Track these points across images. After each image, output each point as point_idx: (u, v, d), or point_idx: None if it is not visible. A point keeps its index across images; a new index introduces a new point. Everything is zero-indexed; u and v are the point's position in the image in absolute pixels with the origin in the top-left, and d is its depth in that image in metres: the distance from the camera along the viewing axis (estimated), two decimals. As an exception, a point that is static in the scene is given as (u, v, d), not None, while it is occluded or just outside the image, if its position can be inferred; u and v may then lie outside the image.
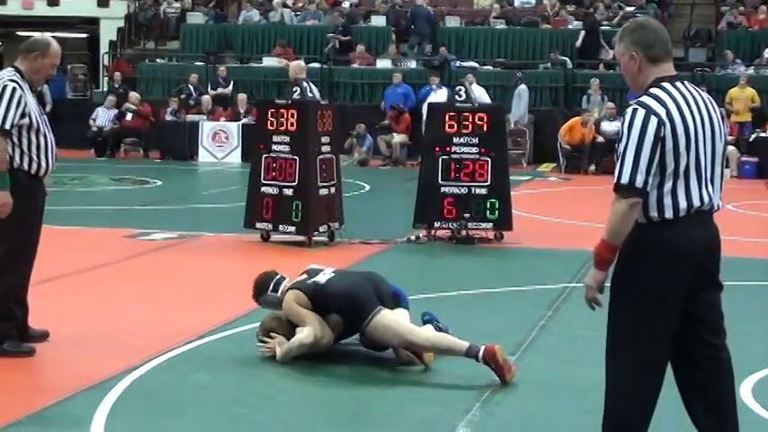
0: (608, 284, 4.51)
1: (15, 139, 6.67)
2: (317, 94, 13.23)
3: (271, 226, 11.65)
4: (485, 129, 11.99)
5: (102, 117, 24.76)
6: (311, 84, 13.25)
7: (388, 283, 6.97)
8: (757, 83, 23.88)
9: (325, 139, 11.74)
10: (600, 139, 22.41)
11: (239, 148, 23.37)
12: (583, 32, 26.04)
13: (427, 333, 6.64)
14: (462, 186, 11.94)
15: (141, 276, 9.90)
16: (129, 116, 24.46)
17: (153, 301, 8.75)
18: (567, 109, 24.61)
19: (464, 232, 12.06)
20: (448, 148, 11.97)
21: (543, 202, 17.04)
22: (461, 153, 11.96)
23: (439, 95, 21.86)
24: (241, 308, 8.06)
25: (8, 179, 6.59)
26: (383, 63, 26.42)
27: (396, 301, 7.04)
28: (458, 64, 25.79)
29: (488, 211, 11.95)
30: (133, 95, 24.94)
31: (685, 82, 4.53)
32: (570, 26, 27.63)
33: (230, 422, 5.65)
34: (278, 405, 6.01)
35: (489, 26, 27.91)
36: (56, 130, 7.01)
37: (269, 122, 11.64)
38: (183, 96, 25.05)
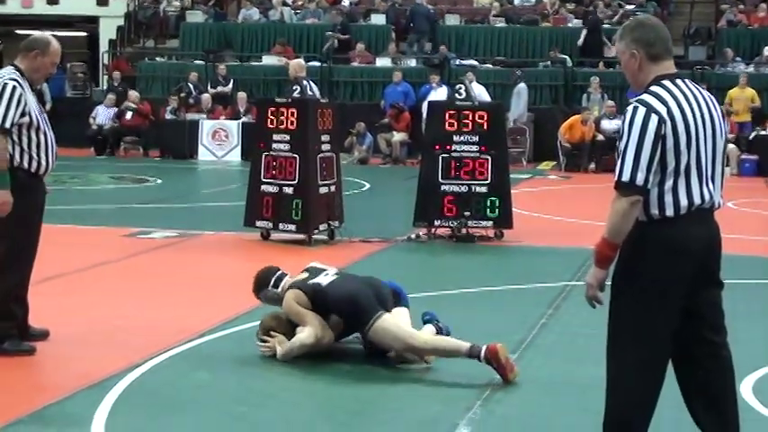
0: (609, 283, 4.51)
1: (15, 138, 6.66)
2: (317, 93, 13.23)
3: (271, 224, 11.64)
4: (485, 127, 11.99)
5: (102, 115, 24.75)
6: (311, 82, 13.26)
7: (388, 286, 6.97)
8: (757, 81, 23.89)
9: (325, 138, 11.74)
10: (600, 137, 22.42)
11: (239, 147, 23.36)
12: (585, 31, 26.02)
13: (428, 337, 6.63)
14: (462, 185, 11.94)
15: (141, 275, 9.90)
16: (128, 115, 24.45)
17: (153, 299, 8.74)
18: (567, 107, 24.61)
19: (464, 230, 12.05)
20: (448, 147, 11.97)
21: (543, 201, 17.04)
22: (461, 151, 11.96)
23: (439, 94, 21.87)
24: (241, 306, 8.06)
25: (8, 178, 6.59)
26: (383, 61, 26.42)
27: (396, 299, 7.04)
28: (458, 62, 25.78)
29: (488, 210, 11.95)
30: (133, 94, 24.93)
31: (686, 80, 4.53)
32: (570, 24, 27.62)
33: (231, 421, 5.65)
34: (279, 403, 6.00)
35: (489, 24, 27.90)
36: (55, 129, 7.01)
37: (269, 121, 11.64)
38: (182, 95, 25.04)
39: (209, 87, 25.45)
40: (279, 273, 7.06)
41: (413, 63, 26.42)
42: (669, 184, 4.37)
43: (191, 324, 7.70)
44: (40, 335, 7.07)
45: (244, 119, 23.63)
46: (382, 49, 27.27)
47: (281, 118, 11.54)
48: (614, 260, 4.44)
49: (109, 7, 30.93)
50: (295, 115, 11.50)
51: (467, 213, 11.91)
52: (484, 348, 6.28)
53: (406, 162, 23.08)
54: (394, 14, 28.17)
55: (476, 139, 11.96)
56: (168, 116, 24.44)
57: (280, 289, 6.94)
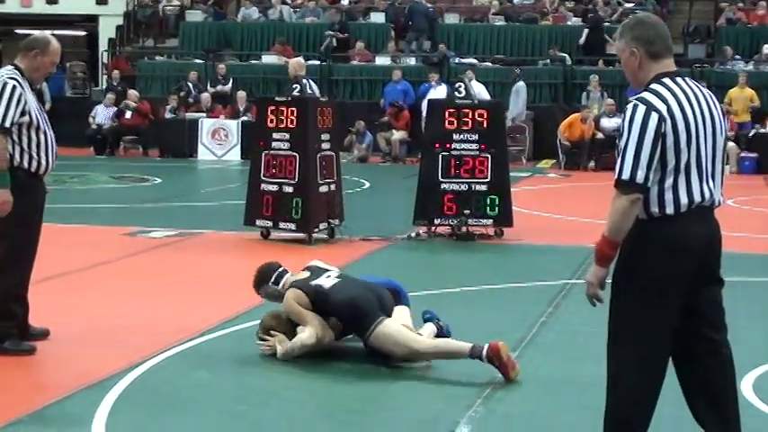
0: (609, 281, 4.51)
1: (15, 137, 6.66)
2: (317, 92, 13.23)
3: (271, 223, 11.64)
4: (484, 125, 11.99)
5: (102, 115, 24.74)
6: (311, 81, 13.26)
7: (386, 286, 6.96)
8: (756, 79, 23.89)
9: (324, 137, 11.74)
10: (599, 135, 22.41)
11: (239, 146, 23.35)
12: (586, 30, 26.00)
13: (429, 341, 6.61)
14: (462, 183, 11.94)
15: (141, 274, 9.90)
16: (128, 114, 24.45)
17: (153, 298, 8.74)
18: (567, 105, 24.60)
19: (464, 229, 12.05)
20: (448, 145, 11.97)
21: (543, 199, 17.04)
22: (461, 150, 11.96)
23: (438, 92, 21.87)
24: (241, 305, 8.07)
25: (8, 177, 6.59)
26: (382, 60, 26.41)
27: (396, 298, 7.04)
28: (457, 60, 25.79)
29: (488, 208, 11.95)
30: (132, 93, 24.92)
31: (686, 78, 4.53)
32: (569, 22, 27.62)
33: (231, 419, 5.65)
34: (279, 402, 6.00)
35: (488, 23, 27.90)
36: (55, 129, 7.00)
37: (269, 120, 11.64)
38: (182, 94, 25.04)
39: (208, 86, 25.44)
40: (280, 269, 7.05)
41: (412, 61, 26.41)
42: (669, 181, 4.37)
43: (191, 323, 7.70)
44: (40, 334, 7.07)
45: (243, 118, 23.63)
46: (382, 47, 27.27)
47: (281, 117, 11.54)
48: (615, 258, 4.44)
49: (108, 6, 30.91)
50: (295, 114, 11.50)
51: (467, 211, 11.91)
52: (486, 347, 6.27)
53: (405, 160, 23.08)
54: (393, 13, 28.17)
55: (475, 137, 11.97)
56: (168, 115, 24.44)
57: (280, 286, 6.93)
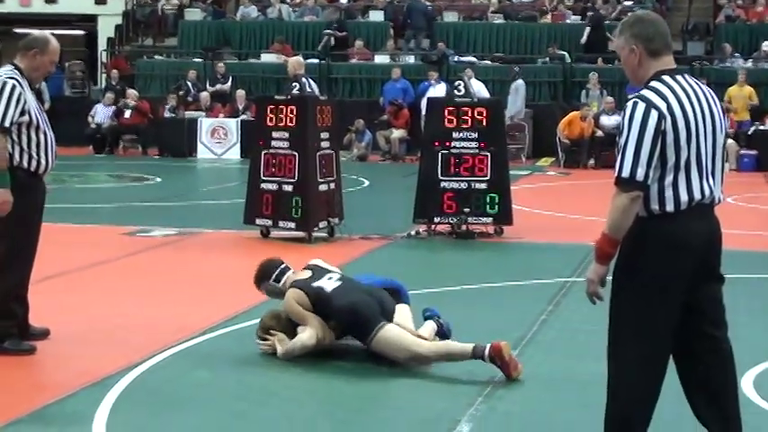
0: (609, 278, 4.51)
1: (15, 137, 6.66)
2: (316, 90, 13.23)
3: (270, 222, 11.64)
4: (484, 123, 11.98)
5: (101, 114, 24.74)
6: (310, 79, 13.25)
7: (387, 290, 6.96)
8: (755, 76, 23.89)
9: (324, 135, 11.73)
10: (599, 133, 22.40)
11: (238, 145, 23.35)
12: (588, 29, 25.98)
13: (431, 344, 6.58)
14: (462, 181, 11.93)
15: (141, 273, 9.89)
16: (127, 113, 24.44)
17: (153, 298, 8.74)
18: (566, 103, 24.59)
19: (464, 227, 12.05)
20: (447, 143, 11.97)
21: (543, 197, 17.04)
22: (461, 148, 11.96)
23: (438, 90, 21.86)
24: (241, 304, 8.07)
25: (8, 177, 6.58)
26: (381, 58, 26.41)
27: (396, 296, 7.04)
28: (456, 59, 25.77)
29: (488, 206, 11.94)
30: (131, 92, 24.92)
31: (686, 75, 4.52)
32: (568, 20, 27.62)
33: (231, 418, 5.65)
34: (280, 401, 6.00)
35: (487, 21, 27.89)
36: (54, 128, 6.99)
37: (268, 118, 11.63)
38: (181, 93, 25.04)
39: (207, 85, 25.44)
40: (282, 266, 7.03)
41: (411, 60, 26.42)
42: (669, 179, 4.37)
43: (191, 322, 7.70)
44: (40, 334, 7.07)
45: (243, 116, 23.62)
46: (381, 45, 27.27)
47: (281, 115, 11.54)
48: (615, 256, 4.44)
49: (107, 6, 30.91)
50: (294, 113, 11.49)
51: (466, 210, 11.91)
52: (488, 347, 6.26)
53: (405, 159, 23.08)
54: (392, 11, 28.17)
55: (475, 135, 11.96)
56: (167, 114, 24.43)
57: (281, 284, 6.92)
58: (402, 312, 6.85)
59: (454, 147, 11.95)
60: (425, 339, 6.68)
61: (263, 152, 11.62)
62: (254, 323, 7.11)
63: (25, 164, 6.72)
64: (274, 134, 11.56)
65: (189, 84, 25.40)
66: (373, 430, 5.66)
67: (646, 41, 4.47)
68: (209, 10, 29.59)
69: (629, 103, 4.38)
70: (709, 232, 4.50)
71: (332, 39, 26.94)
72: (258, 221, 11.72)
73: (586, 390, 5.93)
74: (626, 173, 4.31)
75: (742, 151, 22.19)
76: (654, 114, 4.31)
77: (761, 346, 7.11)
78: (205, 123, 23.81)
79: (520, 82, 23.82)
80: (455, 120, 11.97)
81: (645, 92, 4.40)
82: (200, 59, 27.01)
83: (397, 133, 23.68)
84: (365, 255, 10.89)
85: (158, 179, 18.96)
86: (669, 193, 4.37)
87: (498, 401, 5.95)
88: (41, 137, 6.77)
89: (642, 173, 4.30)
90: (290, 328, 6.79)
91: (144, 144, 24.42)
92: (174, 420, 5.63)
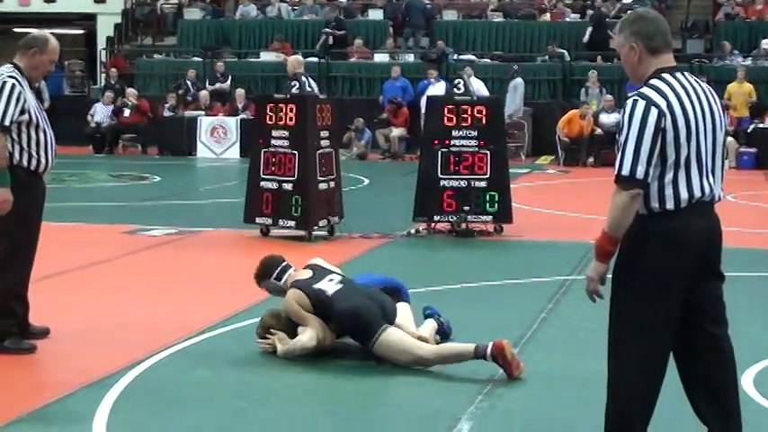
0: (609, 276, 4.50)
1: (15, 136, 6.66)
2: (316, 89, 13.23)
3: (270, 221, 11.64)
4: (484, 122, 11.98)
5: (100, 113, 24.73)
6: (309, 78, 13.25)
7: (388, 290, 6.95)
8: (755, 74, 23.89)
9: (324, 134, 11.73)
10: (598, 131, 22.40)
11: (238, 144, 23.34)
12: (590, 28, 25.96)
13: (433, 346, 6.57)
14: (462, 179, 11.93)
15: (141, 272, 9.89)
16: (126, 112, 24.43)
17: (153, 297, 8.74)
18: (566, 101, 24.59)
19: (464, 225, 12.06)
20: (447, 142, 11.96)
21: (542, 195, 17.03)
22: (460, 146, 11.95)
23: (437, 89, 21.85)
24: (241, 303, 8.07)
25: (8, 176, 6.58)
26: (381, 57, 26.40)
27: (397, 295, 7.04)
28: (455, 57, 25.77)
29: (488, 204, 11.94)
30: (130, 91, 24.91)
31: (685, 73, 4.52)
32: (568, 19, 27.61)
33: (232, 417, 5.65)
34: (280, 399, 6.00)
35: (487, 19, 27.89)
36: (54, 127, 7.00)
37: (268, 117, 11.63)
38: (180, 92, 25.03)
39: (207, 84, 25.43)
40: (283, 264, 7.00)
41: (411, 58, 26.41)
42: (669, 177, 4.37)
43: (191, 321, 7.70)
44: (40, 333, 7.07)
45: (242, 115, 23.61)
46: (380, 44, 27.26)
47: (280, 114, 11.53)
48: (615, 254, 4.44)
49: (106, 5, 30.91)
50: (294, 111, 11.48)
51: (466, 208, 11.91)
52: (490, 346, 6.24)
53: (404, 157, 23.07)
54: (391, 10, 28.16)
55: (474, 133, 11.96)
56: (166, 113, 24.42)
57: (282, 282, 6.91)
58: (402, 311, 6.85)
59: (454, 145, 11.95)
60: (426, 340, 6.68)
61: (262, 151, 11.62)
62: (254, 322, 7.11)
63: (25, 163, 6.72)
64: (274, 133, 11.56)
65: (188, 83, 25.39)
66: (374, 429, 5.66)
67: (646, 39, 4.47)
68: (208, 9, 29.59)
69: (629, 101, 4.38)
70: (710, 230, 4.50)
71: (330, 38, 26.94)
72: (258, 220, 11.72)
73: (586, 388, 5.93)
74: (626, 171, 4.31)
75: (741, 149, 22.17)
76: (654, 112, 4.31)
77: (761, 343, 7.11)
78: (204, 122, 23.81)
79: (518, 80, 23.82)
80: (455, 118, 11.97)
81: (645, 90, 4.40)
82: (199, 58, 27.00)
83: (396, 132, 23.68)
84: (365, 253, 10.89)
85: (158, 178, 18.96)
86: (669, 190, 4.37)
87: (498, 399, 5.95)
88: (41, 136, 6.78)
89: (642, 171, 4.30)
90: (291, 327, 6.79)
91: (143, 143, 24.42)
92: (175, 419, 5.63)
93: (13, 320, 6.81)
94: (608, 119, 22.22)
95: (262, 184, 11.61)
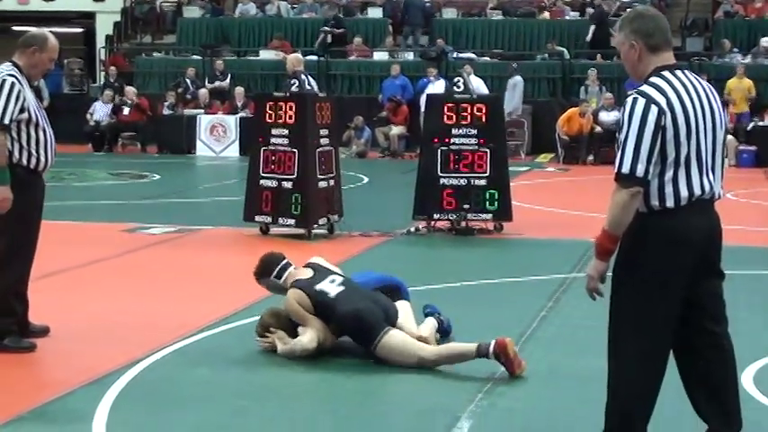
0: (609, 274, 4.50)
1: (14, 134, 6.66)
2: (315, 87, 13.22)
3: (270, 219, 11.63)
4: (483, 120, 11.98)
5: (100, 111, 24.72)
6: (309, 76, 13.24)
7: (389, 289, 6.95)
8: (754, 72, 23.89)
9: (323, 132, 11.72)
10: (598, 129, 22.40)
11: (237, 142, 23.34)
12: (593, 26, 25.95)
13: (435, 347, 6.56)
14: (461, 178, 11.93)
15: (141, 271, 9.89)
16: (126, 110, 24.43)
17: (153, 295, 8.74)
18: (565, 99, 24.59)
19: (464, 223, 12.05)
20: (447, 140, 11.96)
21: (542, 193, 17.03)
22: (460, 144, 11.95)
23: (437, 87, 21.84)
24: (241, 301, 8.07)
25: (8, 174, 6.58)
26: (380, 55, 26.40)
27: (396, 293, 7.03)
28: (455, 55, 25.76)
29: (488, 202, 11.94)
30: (129, 90, 24.91)
31: (685, 71, 4.52)
32: (567, 17, 27.61)
33: (232, 415, 5.65)
34: (280, 398, 6.00)
35: (486, 17, 27.90)
36: (53, 125, 6.99)
37: (267, 115, 11.62)
38: (180, 90, 25.03)
39: (206, 82, 25.44)
40: (283, 262, 6.97)
41: (410, 56, 26.41)
42: (669, 175, 4.37)
43: (191, 319, 7.70)
44: (40, 331, 7.07)
45: (241, 114, 23.61)
46: (379, 42, 27.26)
47: (280, 112, 11.52)
48: (615, 252, 4.44)
49: (105, 3, 30.89)
50: (293, 110, 11.48)
51: (466, 206, 11.91)
52: (492, 343, 6.23)
53: (404, 155, 23.08)
54: (391, 8, 28.16)
55: (474, 131, 11.96)
56: (166, 111, 24.42)
57: (282, 281, 6.89)
58: (403, 309, 6.85)
59: (453, 143, 11.94)
60: (427, 340, 6.67)
61: (262, 149, 11.61)
62: (254, 320, 7.11)
63: (25, 161, 6.72)
64: (273, 131, 11.55)
65: (188, 81, 25.39)
66: (374, 427, 5.65)
67: (646, 37, 4.47)
68: (207, 7, 29.58)
69: (629, 99, 4.38)
70: (710, 228, 4.51)
71: (329, 36, 26.93)
72: (258, 218, 11.72)
73: (586, 386, 5.93)
74: (626, 169, 4.31)
75: (741, 147, 22.17)
76: (654, 110, 4.31)
77: (761, 341, 7.11)
78: (204, 120, 23.80)
79: (518, 78, 23.82)
80: (454, 116, 11.97)
81: (644, 87, 4.40)
82: (198, 56, 26.99)
83: (396, 130, 23.67)
84: (365, 252, 10.89)
85: (157, 176, 18.95)
86: (669, 188, 4.37)
87: (499, 398, 5.95)
88: (41, 134, 6.77)
89: (642, 169, 4.30)
90: (290, 325, 6.78)
91: (143, 141, 24.42)
92: (174, 418, 5.62)
93: (12, 319, 6.81)
94: (607, 117, 22.22)
95: (261, 182, 11.60)
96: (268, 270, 6.96)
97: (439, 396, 5.99)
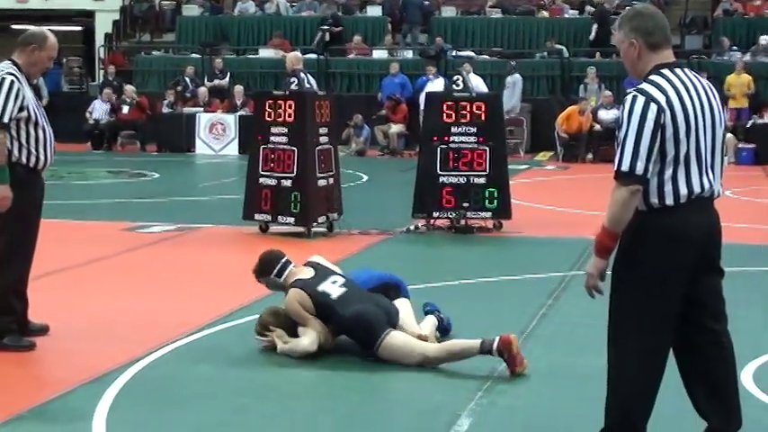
0: (609, 272, 4.51)
1: (14, 133, 6.65)
2: (315, 85, 13.22)
3: (269, 217, 11.63)
4: (482, 118, 11.98)
5: (99, 110, 24.72)
6: (308, 75, 13.24)
7: (388, 288, 6.95)
8: (753, 69, 23.88)
9: (323, 130, 11.72)
10: (597, 127, 22.41)
11: (236, 140, 23.33)
12: (595, 25, 25.94)
13: (438, 345, 6.55)
14: (461, 176, 11.93)
15: (140, 269, 9.89)
16: (125, 109, 24.43)
17: (153, 293, 8.74)
18: (565, 98, 24.59)
19: (463, 222, 12.05)
20: (446, 138, 11.96)
21: (541, 191, 17.03)
22: (459, 142, 11.95)
23: (436, 85, 21.84)
24: (241, 300, 8.07)
25: (7, 173, 6.58)
26: (380, 53, 26.39)
27: (396, 292, 7.03)
28: (454, 53, 25.77)
29: (487, 201, 11.94)
30: (129, 88, 24.90)
31: (685, 69, 4.53)
32: (566, 15, 27.61)
33: (232, 413, 5.65)
34: (280, 395, 6.01)
35: (485, 15, 27.90)
36: (52, 124, 6.99)
37: (267, 114, 11.62)
38: (179, 89, 25.02)
39: (205, 81, 25.43)
40: (283, 260, 6.95)
41: (410, 55, 26.41)
42: (669, 173, 4.37)
43: (191, 318, 7.70)
44: (39, 330, 7.07)
45: (241, 112, 23.61)
46: (379, 40, 27.26)
47: (279, 111, 11.52)
48: (614, 250, 4.44)
49: (105, 1, 30.86)
50: (293, 108, 11.48)
51: (465, 204, 11.91)
52: (497, 340, 6.23)
53: (403, 154, 23.09)
54: (390, 6, 28.15)
55: (474, 130, 11.96)
56: (165, 110, 24.41)
57: (282, 279, 6.89)
58: (403, 307, 6.85)
59: (453, 141, 11.94)
60: (427, 338, 6.67)
61: (261, 147, 11.61)
62: (254, 319, 7.10)
63: (24, 160, 6.72)
64: (273, 129, 11.55)
65: (187, 79, 25.38)
66: (374, 425, 5.65)
67: (645, 35, 4.47)
68: (206, 5, 29.57)
69: (629, 97, 4.38)
70: (709, 225, 4.51)
71: (327, 34, 26.92)
72: (257, 217, 11.72)
73: (586, 384, 5.93)
74: (625, 166, 4.31)
75: (740, 145, 22.17)
76: (653, 108, 4.31)
77: (761, 339, 7.12)
78: (203, 119, 23.80)
79: (517, 76, 23.83)
80: (453, 114, 11.97)
81: (644, 85, 4.40)
82: (197, 55, 26.98)
83: (395, 128, 23.67)
84: (364, 250, 10.89)
85: (157, 175, 18.95)
86: (668, 186, 4.37)
87: (498, 396, 5.95)
88: (40, 133, 6.77)
89: (642, 166, 4.30)
90: (289, 324, 6.77)
91: (142, 140, 24.42)
92: (175, 416, 5.63)
93: (12, 317, 6.81)
94: (607, 115, 22.23)
95: (261, 180, 11.60)
96: (268, 268, 6.95)
97: (439, 394, 5.99)
